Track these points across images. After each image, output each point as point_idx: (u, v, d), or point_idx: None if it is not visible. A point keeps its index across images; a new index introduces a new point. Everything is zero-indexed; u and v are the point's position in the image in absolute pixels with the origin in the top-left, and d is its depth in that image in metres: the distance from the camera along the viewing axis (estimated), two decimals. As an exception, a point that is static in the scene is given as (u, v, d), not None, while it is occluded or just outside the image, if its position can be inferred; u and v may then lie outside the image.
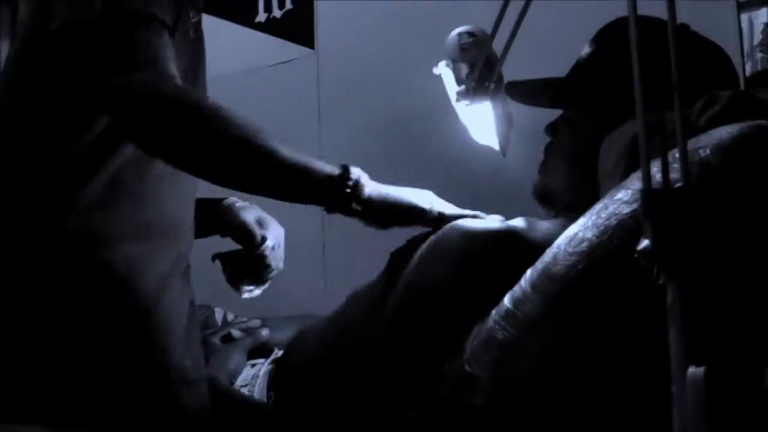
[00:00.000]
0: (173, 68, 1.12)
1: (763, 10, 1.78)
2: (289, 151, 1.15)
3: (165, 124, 1.10)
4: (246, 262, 1.47)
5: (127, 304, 1.16)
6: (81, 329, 1.13)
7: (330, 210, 1.22)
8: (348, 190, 1.19)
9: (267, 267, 1.47)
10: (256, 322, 1.55)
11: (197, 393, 1.22)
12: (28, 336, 1.13)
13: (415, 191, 1.28)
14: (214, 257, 1.49)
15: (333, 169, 1.19)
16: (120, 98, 1.09)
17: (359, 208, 1.21)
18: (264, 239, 1.47)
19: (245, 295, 1.49)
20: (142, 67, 1.09)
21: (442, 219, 1.28)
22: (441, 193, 1.32)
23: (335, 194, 1.19)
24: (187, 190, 1.29)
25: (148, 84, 1.09)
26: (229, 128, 1.12)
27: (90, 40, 1.11)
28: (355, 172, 1.20)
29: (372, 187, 1.22)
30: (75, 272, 1.15)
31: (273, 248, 1.48)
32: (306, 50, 2.41)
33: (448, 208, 1.29)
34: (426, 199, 1.29)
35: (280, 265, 1.50)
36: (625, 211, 1.04)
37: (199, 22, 1.29)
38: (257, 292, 1.50)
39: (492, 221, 1.26)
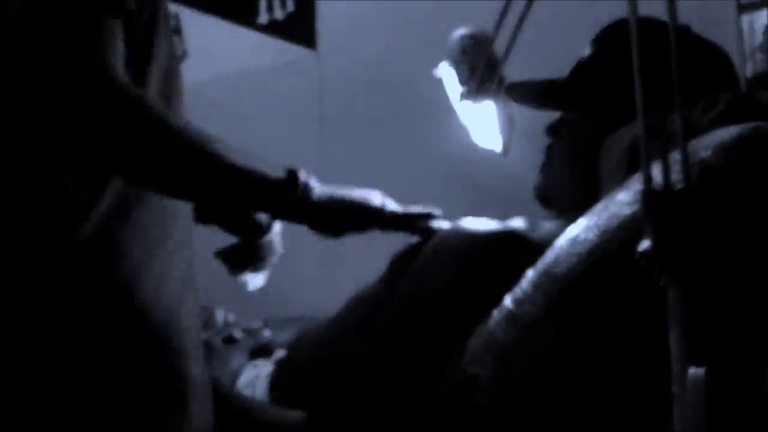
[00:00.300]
0: (118, 65, 1.04)
1: (764, 11, 1.78)
2: (240, 156, 1.10)
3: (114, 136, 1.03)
4: (248, 252, 1.47)
5: (152, 314, 1.12)
6: (106, 343, 1.10)
7: (277, 216, 1.17)
8: (298, 195, 1.15)
9: (272, 252, 1.46)
10: (258, 323, 1.54)
11: (202, 395, 1.22)
12: (50, 350, 1.10)
13: (363, 191, 1.25)
14: (216, 255, 1.48)
15: (279, 173, 1.14)
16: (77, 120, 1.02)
17: (311, 212, 1.17)
18: (269, 225, 1.46)
19: (251, 287, 1.48)
20: (90, 75, 1.01)
21: (397, 218, 1.26)
22: (442, 194, 1.32)
23: (286, 200, 1.15)
24: None
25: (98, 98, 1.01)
26: (180, 133, 1.06)
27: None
28: (303, 174, 1.16)
29: (321, 190, 1.18)
30: (95, 286, 1.10)
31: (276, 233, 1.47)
32: (308, 51, 2.41)
33: (398, 207, 1.27)
34: (376, 197, 1.26)
35: (281, 249, 1.49)
36: (626, 213, 1.04)
37: (168, 17, 1.24)
38: (261, 279, 1.48)
39: (491, 222, 1.26)
